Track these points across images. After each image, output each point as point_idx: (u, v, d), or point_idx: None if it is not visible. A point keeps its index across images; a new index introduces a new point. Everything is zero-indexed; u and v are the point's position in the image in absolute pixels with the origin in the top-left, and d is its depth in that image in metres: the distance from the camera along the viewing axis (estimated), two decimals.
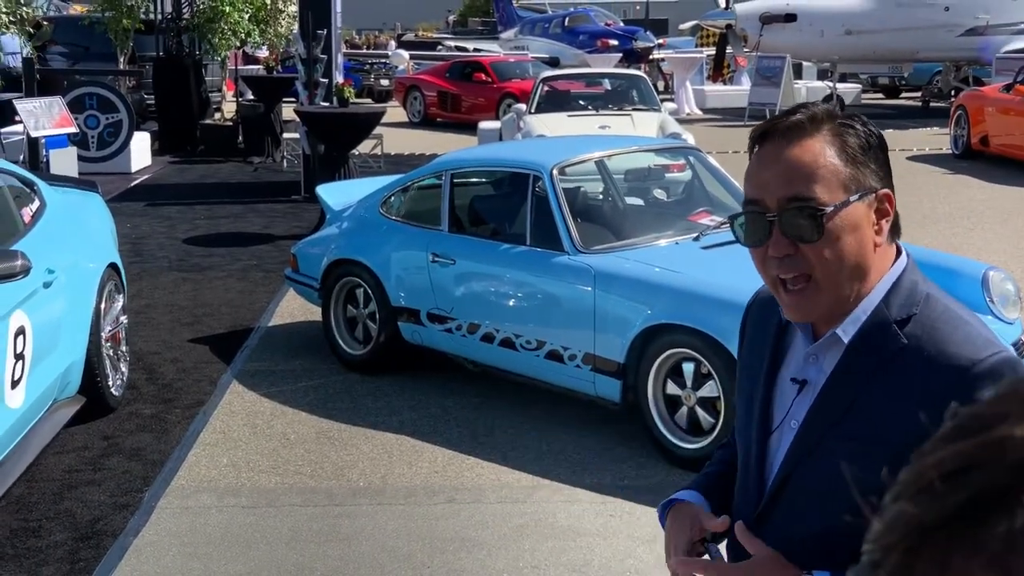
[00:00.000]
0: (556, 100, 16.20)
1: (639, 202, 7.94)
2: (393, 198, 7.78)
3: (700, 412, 5.86)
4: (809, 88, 28.18)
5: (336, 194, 8.68)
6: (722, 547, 1.99)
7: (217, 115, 22.23)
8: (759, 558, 1.81)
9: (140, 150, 17.39)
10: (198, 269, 10.63)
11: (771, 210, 1.74)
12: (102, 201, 7.66)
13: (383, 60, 34.78)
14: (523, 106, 16.28)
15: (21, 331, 5.42)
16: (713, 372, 5.70)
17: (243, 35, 20.58)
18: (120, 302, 7.04)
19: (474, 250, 7.03)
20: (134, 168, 16.89)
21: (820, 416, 1.79)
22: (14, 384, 5.33)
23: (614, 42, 33.40)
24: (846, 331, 1.77)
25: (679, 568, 1.91)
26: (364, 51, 41.19)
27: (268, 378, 7.38)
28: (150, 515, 5.32)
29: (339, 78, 14.66)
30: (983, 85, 22.98)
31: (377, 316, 7.47)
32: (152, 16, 20.55)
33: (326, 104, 14.02)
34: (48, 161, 12.86)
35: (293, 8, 20.49)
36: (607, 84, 17.57)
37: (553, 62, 29.91)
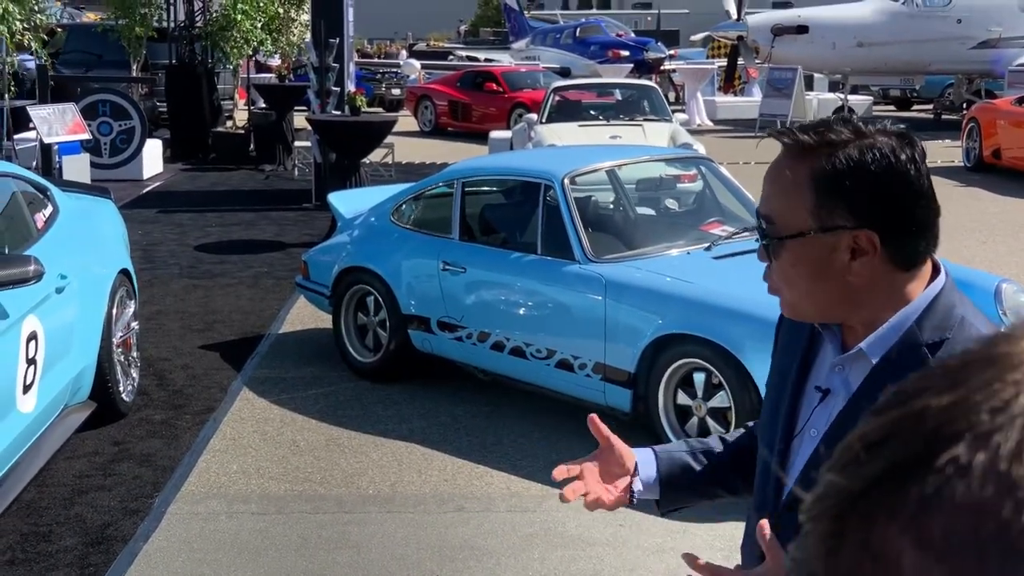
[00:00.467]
0: (567, 110, 16.21)
1: (650, 212, 7.94)
2: (404, 206, 7.79)
3: (711, 422, 5.85)
4: (820, 100, 28.15)
5: (347, 202, 8.70)
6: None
7: (229, 123, 22.28)
8: (775, 567, 1.80)
9: (152, 157, 17.44)
10: (209, 276, 10.65)
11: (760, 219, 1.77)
12: (114, 207, 7.69)
13: (394, 69, 34.86)
14: (534, 116, 16.30)
15: (33, 336, 5.44)
16: (724, 383, 5.69)
17: (255, 43, 20.66)
18: (131, 308, 7.06)
19: (485, 259, 7.04)
20: (146, 175, 16.94)
21: (842, 431, 1.79)
22: (26, 389, 5.34)
23: (625, 53, 33.42)
24: (871, 348, 1.75)
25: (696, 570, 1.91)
26: (376, 60, 41.30)
27: (278, 385, 7.39)
28: (160, 521, 5.33)
29: (351, 87, 14.70)
30: (995, 98, 22.95)
31: (387, 324, 7.48)
32: (165, 24, 20.62)
33: (338, 113, 14.06)
34: (61, 167, 12.91)
35: (305, 17, 20.59)
36: (618, 94, 17.58)
37: (564, 72, 29.92)
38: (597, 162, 7.45)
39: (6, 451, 5.10)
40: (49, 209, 6.50)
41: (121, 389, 6.69)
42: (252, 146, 19.32)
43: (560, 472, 2.00)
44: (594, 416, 2.05)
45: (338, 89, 14.27)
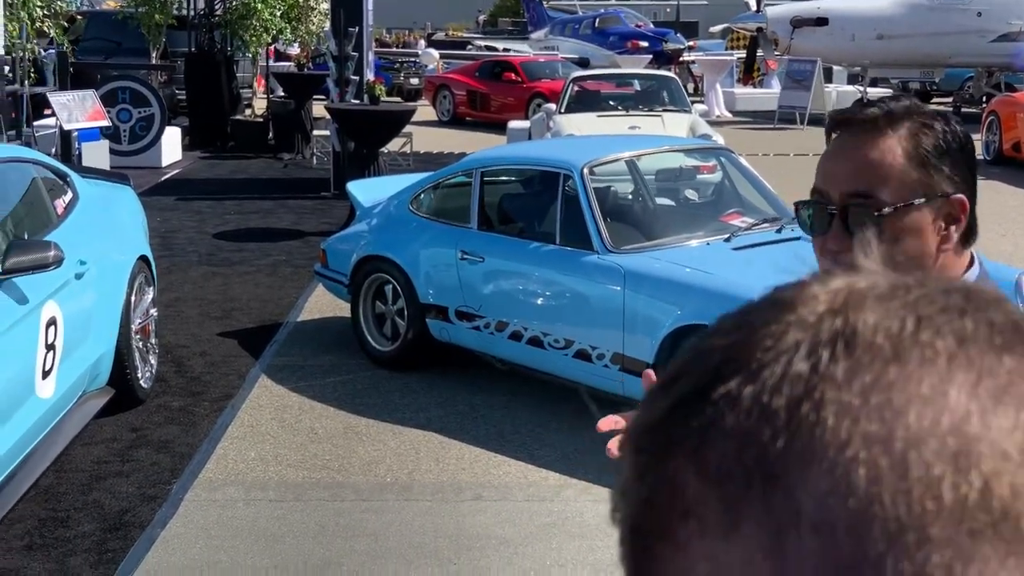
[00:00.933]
0: (586, 100, 16.18)
1: (670, 202, 7.92)
2: (423, 195, 7.78)
3: None
4: (839, 92, 28.01)
5: (366, 191, 8.69)
6: None
7: (248, 111, 22.30)
8: None
9: (171, 145, 17.46)
10: (228, 264, 10.67)
11: (833, 203, 1.72)
12: (134, 194, 7.70)
13: (413, 59, 34.84)
14: (553, 106, 16.28)
15: (52, 322, 5.45)
16: None
17: (274, 32, 20.66)
18: (150, 295, 7.07)
19: (503, 248, 7.03)
20: (165, 163, 16.97)
21: None
22: (45, 374, 5.36)
23: (644, 44, 33.34)
24: None
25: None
26: (394, 50, 41.28)
27: (296, 373, 7.40)
28: (178, 507, 5.34)
29: (370, 76, 14.68)
30: (1015, 91, 22.81)
31: (405, 313, 7.48)
32: (184, 12, 20.65)
33: (357, 101, 14.05)
34: (80, 154, 12.94)
35: (325, 6, 20.57)
36: (637, 85, 17.55)
37: (583, 63, 29.87)
38: (616, 152, 7.43)
39: (24, 437, 5.11)
40: (69, 195, 6.51)
41: (139, 375, 6.70)
42: (271, 134, 19.32)
43: (607, 423, 1.91)
44: (650, 372, 1.96)
45: (357, 78, 14.25)
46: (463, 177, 7.59)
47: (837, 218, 1.71)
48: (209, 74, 19.55)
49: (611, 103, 16.28)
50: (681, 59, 33.87)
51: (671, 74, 19.18)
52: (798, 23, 26.59)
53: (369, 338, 7.72)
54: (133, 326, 6.62)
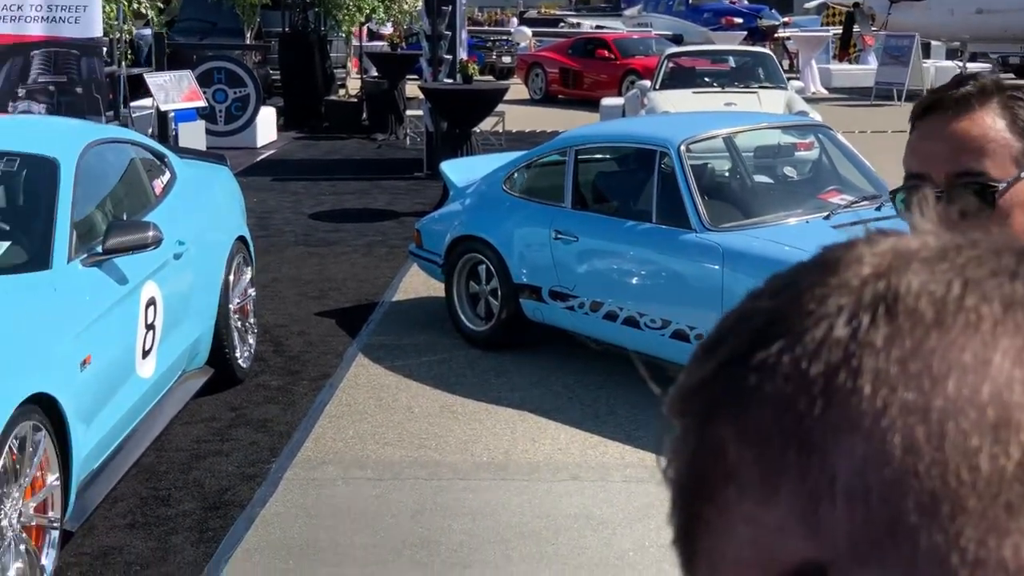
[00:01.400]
0: (681, 77, 16.00)
1: (767, 180, 7.78)
2: (516, 174, 7.73)
3: None
4: (938, 68, 27.39)
5: (460, 171, 8.67)
6: None
7: (342, 91, 22.41)
8: None
9: (266, 125, 17.62)
10: (324, 244, 10.73)
11: (937, 185, 1.65)
12: (231, 174, 7.76)
13: (505, 37, 34.76)
14: (647, 83, 16.13)
15: (152, 302, 5.51)
16: None
17: (368, 11, 20.72)
18: (248, 275, 7.12)
19: (598, 227, 6.96)
20: (260, 143, 17.13)
21: None
22: (145, 354, 5.42)
23: (739, 20, 32.87)
24: None
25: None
26: (486, 28, 41.24)
27: (392, 352, 7.41)
28: (277, 486, 5.37)
29: (463, 55, 14.65)
30: None
31: (499, 293, 7.45)
32: None
33: (450, 81, 14.04)
34: (177, 134, 13.10)
35: None
36: (732, 61, 17.31)
37: (677, 39, 29.53)
38: (713, 129, 7.30)
39: (126, 415, 5.18)
40: (167, 176, 6.58)
41: (238, 355, 6.76)
42: (365, 115, 19.40)
43: None
44: None
45: (450, 57, 14.24)
46: (557, 156, 7.52)
47: (944, 200, 1.64)
48: (303, 54, 19.67)
49: (706, 80, 16.09)
50: (776, 35, 33.33)
51: (766, 50, 18.88)
52: None
53: (463, 318, 7.70)
54: (231, 306, 6.68)
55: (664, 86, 15.35)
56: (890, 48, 25.49)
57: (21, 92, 10.99)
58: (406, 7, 21.94)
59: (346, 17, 20.12)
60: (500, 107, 14.92)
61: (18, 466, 4.08)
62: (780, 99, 14.30)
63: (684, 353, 6.24)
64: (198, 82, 14.36)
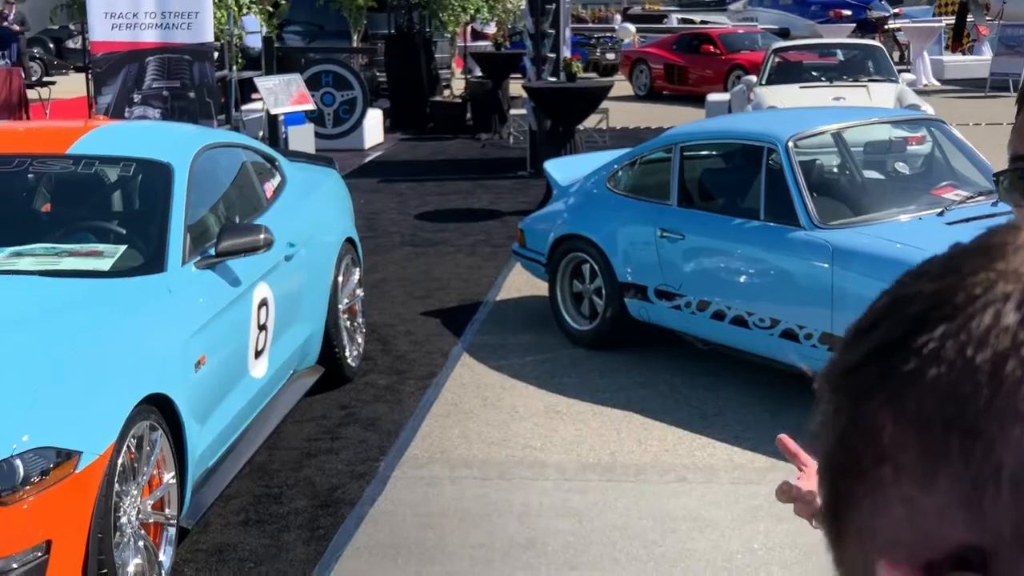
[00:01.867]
0: (788, 71, 15.78)
1: (878, 176, 7.64)
2: (621, 172, 7.70)
3: None
4: None
5: (563, 169, 8.67)
6: None
7: (446, 92, 22.56)
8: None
9: (373, 127, 17.79)
10: (429, 244, 10.82)
11: None
12: (339, 177, 7.85)
13: (609, 34, 34.65)
14: (753, 78, 15.95)
15: (264, 303, 5.61)
16: None
17: (472, 11, 20.81)
18: (356, 275, 7.21)
19: (704, 225, 6.90)
20: (367, 145, 17.31)
21: None
22: (257, 354, 5.51)
23: (847, 12, 32.30)
24: None
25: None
26: (590, 25, 41.14)
27: (497, 351, 7.44)
28: (385, 484, 5.43)
29: (567, 53, 14.64)
30: None
31: (603, 292, 7.43)
32: None
33: (553, 79, 14.04)
34: (287, 138, 13.29)
35: None
36: (840, 55, 17.03)
37: (783, 33, 29.15)
38: (822, 124, 7.20)
39: (240, 414, 5.28)
40: (277, 179, 6.68)
41: (347, 354, 6.84)
42: (469, 115, 19.49)
43: (784, 493, 1.79)
44: (784, 436, 1.85)
45: (554, 55, 14.24)
46: (662, 153, 7.47)
47: None
48: (408, 56, 19.83)
49: (814, 74, 15.85)
50: (886, 27, 32.71)
51: (876, 43, 18.54)
52: None
53: (567, 317, 7.70)
54: (340, 306, 6.77)
55: (771, 81, 15.15)
56: (1005, 38, 24.85)
57: (136, 98, 11.28)
58: (510, 6, 21.99)
59: (451, 18, 20.23)
60: (604, 104, 14.88)
61: (136, 464, 4.18)
62: (891, 93, 14.03)
63: (793, 352, 6.18)
64: (307, 85, 14.56)
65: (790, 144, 6.53)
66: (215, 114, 11.71)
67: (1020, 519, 0.45)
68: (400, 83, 19.97)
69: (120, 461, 4.00)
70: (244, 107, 15.50)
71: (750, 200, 6.77)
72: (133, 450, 4.14)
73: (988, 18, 26.99)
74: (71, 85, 22.73)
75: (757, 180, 6.70)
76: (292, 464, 5.71)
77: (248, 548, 4.83)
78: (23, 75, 18.97)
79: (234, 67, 14.92)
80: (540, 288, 8.30)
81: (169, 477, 4.44)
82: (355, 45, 20.68)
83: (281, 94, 13.44)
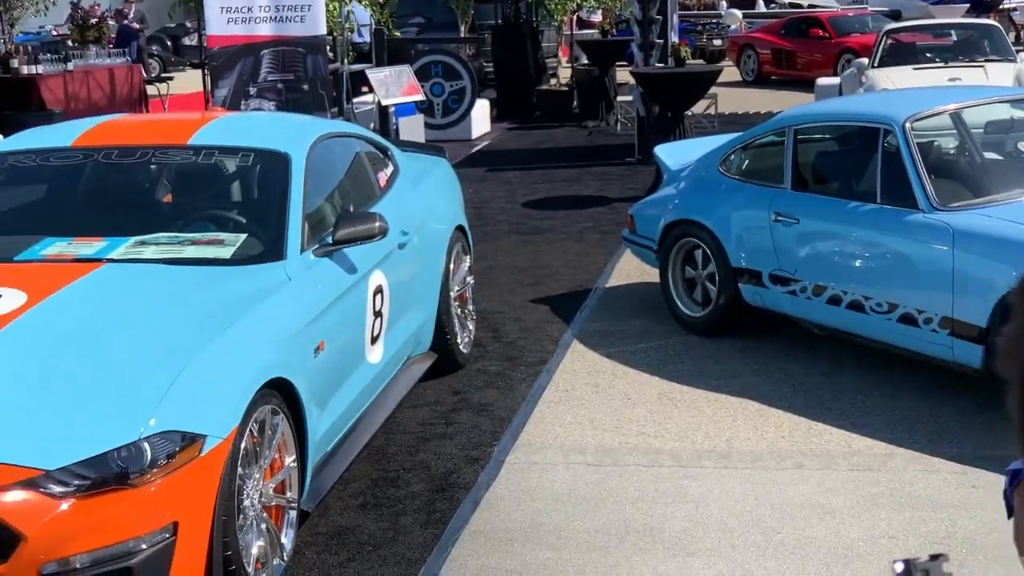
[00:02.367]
0: (900, 53, 15.46)
1: (999, 156, 7.44)
2: (733, 156, 7.62)
3: None
4: None
5: (674, 154, 8.60)
6: None
7: (552, 80, 22.54)
8: None
9: (480, 117, 17.87)
10: (537, 231, 10.83)
11: None
12: (449, 166, 7.90)
13: (715, 20, 34.30)
14: (864, 60, 15.66)
15: (379, 290, 5.67)
16: None
17: (578, 0, 20.74)
18: (467, 263, 7.25)
19: (819, 208, 6.80)
20: (475, 135, 17.39)
21: None
22: (373, 340, 5.58)
23: None
24: None
25: None
26: (696, 12, 40.78)
27: (607, 338, 7.42)
28: (499, 469, 5.46)
29: (674, 39, 14.53)
30: None
31: (716, 277, 7.37)
32: None
33: (661, 65, 13.95)
34: (398, 128, 13.41)
35: None
36: (955, 35, 16.62)
37: (894, 15, 28.53)
38: (940, 104, 7.03)
39: (357, 399, 5.35)
40: (390, 168, 6.75)
41: (459, 341, 6.89)
42: (575, 103, 19.46)
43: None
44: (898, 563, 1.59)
45: (661, 42, 14.14)
46: (774, 136, 7.37)
47: None
48: (515, 45, 19.85)
49: (928, 55, 15.50)
50: (1001, 6, 31.86)
51: (993, 22, 18.08)
52: None
53: (679, 303, 7.65)
54: (452, 293, 6.82)
55: (883, 63, 14.86)
56: None
57: (252, 90, 11.47)
58: None
59: (557, 6, 20.22)
60: (712, 89, 14.75)
61: (258, 448, 4.26)
62: (1009, 72, 13.67)
63: (912, 338, 6.07)
64: (416, 76, 14.67)
65: (907, 125, 6.40)
66: (328, 106, 11.86)
67: None
68: (507, 72, 20.01)
69: (243, 445, 4.08)
70: (356, 99, 15.65)
71: (866, 183, 6.65)
72: (256, 434, 4.22)
73: None
74: (187, 81, 23.21)
75: (873, 162, 6.57)
76: (408, 448, 5.76)
77: (367, 531, 4.89)
78: (143, 72, 19.42)
79: (345, 60, 15.10)
80: (650, 275, 8.26)
81: (290, 461, 4.52)
82: (463, 36, 20.78)
83: (392, 85, 13.56)
